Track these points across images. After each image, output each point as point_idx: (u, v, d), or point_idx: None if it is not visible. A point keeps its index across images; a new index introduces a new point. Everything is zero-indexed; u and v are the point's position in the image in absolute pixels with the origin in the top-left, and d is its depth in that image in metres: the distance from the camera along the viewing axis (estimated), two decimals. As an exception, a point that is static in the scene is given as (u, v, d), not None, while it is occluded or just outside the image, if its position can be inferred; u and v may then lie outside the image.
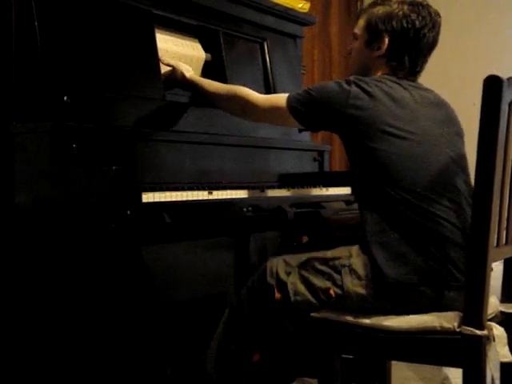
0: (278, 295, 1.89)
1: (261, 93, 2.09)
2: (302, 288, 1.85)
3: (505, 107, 1.60)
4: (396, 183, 1.78)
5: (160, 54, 2.15)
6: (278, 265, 1.92)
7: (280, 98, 1.96)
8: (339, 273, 1.80)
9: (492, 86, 1.57)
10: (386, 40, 1.91)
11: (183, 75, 2.16)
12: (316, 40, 4.10)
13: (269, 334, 2.00)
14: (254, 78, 2.54)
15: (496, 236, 1.66)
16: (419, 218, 1.75)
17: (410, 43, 1.90)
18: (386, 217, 1.78)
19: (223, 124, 2.26)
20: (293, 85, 2.69)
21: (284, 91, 2.43)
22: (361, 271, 1.78)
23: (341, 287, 1.79)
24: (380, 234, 1.78)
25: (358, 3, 4.59)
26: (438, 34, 1.94)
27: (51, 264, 1.69)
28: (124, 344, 1.85)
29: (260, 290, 1.94)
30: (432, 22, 1.91)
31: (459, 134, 1.93)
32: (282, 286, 1.89)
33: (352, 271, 1.79)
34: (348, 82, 1.85)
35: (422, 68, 1.96)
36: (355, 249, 1.83)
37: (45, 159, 1.68)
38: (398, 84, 1.87)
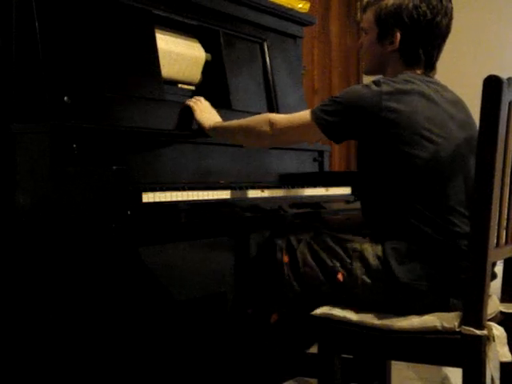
0: (286, 259, 1.87)
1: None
2: (311, 261, 1.83)
3: (505, 107, 1.60)
4: (421, 191, 1.74)
5: (160, 54, 2.15)
6: (289, 231, 1.90)
7: (304, 115, 1.86)
8: (350, 256, 1.78)
9: (492, 86, 1.57)
10: (398, 34, 1.85)
11: (208, 124, 2.10)
12: (316, 40, 4.10)
13: (281, 295, 1.96)
14: (253, 78, 2.54)
15: (496, 236, 1.66)
16: (436, 231, 1.72)
17: (422, 35, 1.84)
18: (400, 225, 1.76)
19: (223, 124, 2.25)
20: (293, 85, 2.69)
21: (284, 91, 2.43)
22: (371, 260, 1.75)
23: (349, 271, 1.77)
24: (393, 240, 1.76)
25: (358, 3, 4.59)
26: (450, 20, 1.86)
27: (51, 264, 1.69)
28: (124, 344, 1.85)
29: (268, 252, 1.92)
30: (444, 9, 1.84)
31: (477, 133, 1.90)
32: (291, 251, 1.86)
33: (362, 258, 1.76)
34: (377, 83, 1.77)
35: (437, 58, 1.89)
36: (368, 239, 1.81)
37: (45, 159, 1.68)
38: (423, 82, 1.81)
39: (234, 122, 2.05)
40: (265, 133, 1.94)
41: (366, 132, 1.79)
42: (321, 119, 1.81)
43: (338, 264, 1.80)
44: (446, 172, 1.76)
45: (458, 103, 1.88)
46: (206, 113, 2.13)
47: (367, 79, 1.88)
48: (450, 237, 1.73)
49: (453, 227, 1.74)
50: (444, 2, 1.85)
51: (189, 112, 2.16)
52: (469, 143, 1.80)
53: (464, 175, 1.77)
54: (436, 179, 1.75)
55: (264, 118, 1.96)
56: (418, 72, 1.87)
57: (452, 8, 1.88)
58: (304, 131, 1.88)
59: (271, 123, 1.92)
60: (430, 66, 1.88)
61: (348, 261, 1.78)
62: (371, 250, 1.77)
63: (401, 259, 1.73)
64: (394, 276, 1.72)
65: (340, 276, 1.79)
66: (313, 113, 1.83)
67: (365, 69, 2.00)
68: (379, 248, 1.76)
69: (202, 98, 2.19)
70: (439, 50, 1.89)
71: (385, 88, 1.75)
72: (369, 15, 1.92)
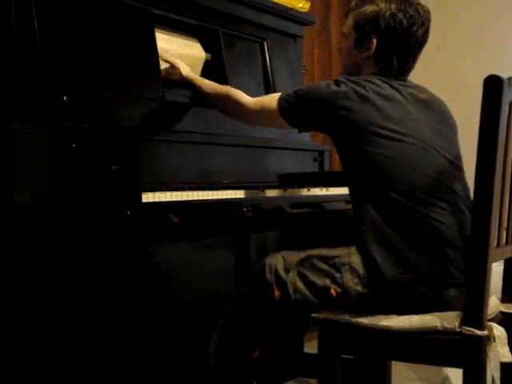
0: (277, 293, 1.87)
1: (261, 93, 2.09)
2: (301, 286, 1.84)
3: (505, 107, 1.59)
4: (389, 185, 1.77)
5: (160, 53, 2.15)
6: (277, 262, 1.90)
7: (271, 100, 1.96)
8: (339, 271, 1.79)
9: (492, 86, 1.57)
10: (374, 40, 1.90)
11: (180, 73, 2.18)
12: (316, 40, 4.09)
13: (268, 332, 1.98)
14: (253, 77, 2.53)
15: (496, 236, 1.66)
16: (414, 220, 1.74)
17: (398, 43, 1.89)
18: (381, 218, 1.77)
19: (223, 124, 2.25)
20: (293, 85, 2.68)
21: (284, 91, 2.42)
22: (360, 270, 1.76)
23: (341, 285, 1.78)
24: (377, 233, 1.77)
25: (358, 3, 4.57)
26: (427, 30, 1.91)
27: (50, 264, 1.69)
28: (122, 343, 1.85)
29: (259, 286, 1.92)
30: (421, 20, 1.88)
31: (453, 130, 1.92)
32: (281, 283, 1.87)
33: (352, 269, 1.77)
34: (337, 83, 1.84)
35: (412, 66, 1.94)
36: (354, 248, 1.82)
37: (45, 159, 1.67)
38: (387, 83, 1.86)
39: (207, 85, 2.15)
40: (231, 110, 2.09)
41: (325, 127, 1.89)
42: (282, 108, 1.91)
43: (328, 281, 1.80)
44: (412, 167, 1.77)
45: (429, 101, 1.91)
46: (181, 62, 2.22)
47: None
48: (428, 225, 1.74)
49: (428, 218, 1.74)
50: (421, 12, 1.89)
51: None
52: (440, 138, 1.84)
53: (432, 169, 1.79)
54: (402, 176, 1.76)
55: (233, 97, 2.06)
56: (388, 75, 1.90)
57: (429, 18, 1.92)
58: (270, 117, 1.98)
59: (238, 102, 2.04)
60: (401, 73, 1.93)
61: (338, 275, 1.79)
62: (358, 260, 1.78)
63: (386, 255, 1.73)
64: (382, 275, 1.73)
65: (332, 291, 1.79)
66: (278, 102, 1.93)
67: (341, 72, 2.04)
68: (365, 253, 1.77)
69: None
70: (414, 59, 1.94)
71: (342, 88, 1.82)
72: (349, 21, 1.97)
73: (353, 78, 1.85)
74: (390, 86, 1.86)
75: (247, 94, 2.07)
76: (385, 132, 1.78)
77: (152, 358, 2.02)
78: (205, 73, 2.38)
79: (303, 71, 2.87)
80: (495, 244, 1.65)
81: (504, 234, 1.74)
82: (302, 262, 1.87)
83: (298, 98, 1.89)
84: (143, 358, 1.98)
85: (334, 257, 1.82)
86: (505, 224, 1.74)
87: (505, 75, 1.60)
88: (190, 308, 2.14)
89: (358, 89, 1.81)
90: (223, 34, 2.42)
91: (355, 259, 1.78)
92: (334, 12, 4.32)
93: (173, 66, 2.19)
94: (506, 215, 1.74)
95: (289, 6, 2.75)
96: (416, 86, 1.93)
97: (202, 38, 2.40)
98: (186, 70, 2.19)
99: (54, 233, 1.65)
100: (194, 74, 2.20)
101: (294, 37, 2.77)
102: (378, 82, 1.85)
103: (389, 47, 1.89)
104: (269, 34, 2.62)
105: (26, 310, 1.74)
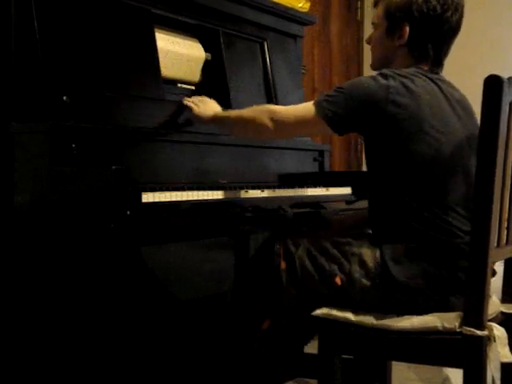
0: (283, 264, 1.86)
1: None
2: (309, 266, 1.82)
3: (505, 107, 1.59)
4: (422, 190, 1.73)
5: (160, 54, 2.14)
6: (286, 236, 1.88)
7: (305, 107, 1.84)
8: (348, 260, 1.77)
9: (492, 86, 1.57)
10: (407, 28, 1.83)
11: (208, 114, 2.08)
12: (316, 40, 4.09)
13: (277, 301, 1.95)
14: (253, 77, 2.53)
15: (497, 236, 1.66)
16: (434, 230, 1.71)
17: (431, 30, 1.82)
18: (400, 224, 1.75)
19: (223, 124, 2.25)
20: (293, 85, 2.69)
21: (284, 91, 2.42)
22: (369, 263, 1.74)
23: (347, 274, 1.76)
24: (391, 237, 1.76)
25: (359, 3, 4.58)
26: (461, 16, 1.85)
27: (49, 264, 1.68)
28: (121, 343, 1.85)
29: (266, 255, 1.91)
30: (454, 5, 1.82)
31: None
32: (288, 256, 1.85)
33: (361, 261, 1.75)
34: (385, 76, 1.75)
35: (446, 55, 1.87)
36: (366, 241, 1.80)
37: (44, 159, 1.67)
38: (429, 78, 1.80)
39: (234, 113, 2.03)
40: (265, 126, 1.90)
41: (372, 125, 1.77)
42: (326, 110, 1.77)
43: (335, 267, 1.78)
44: (446, 170, 1.75)
45: (462, 101, 1.86)
46: (203, 104, 2.11)
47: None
48: (448, 235, 1.73)
49: (450, 226, 1.73)
50: None
51: (189, 111, 2.15)
52: (470, 142, 1.79)
53: (463, 174, 1.76)
54: (435, 177, 1.74)
55: (265, 110, 1.92)
56: (425, 68, 1.84)
57: (463, 4, 1.86)
58: (307, 124, 1.84)
59: (272, 116, 1.89)
60: (437, 63, 1.86)
61: (346, 264, 1.77)
62: (370, 253, 1.76)
63: (398, 259, 1.72)
64: (391, 276, 1.72)
65: (338, 280, 1.78)
66: (317, 105, 1.80)
67: (372, 63, 1.97)
68: (377, 251, 1.76)
69: (199, 97, 2.17)
70: (448, 46, 1.87)
71: (392, 82, 1.73)
72: (379, 10, 1.90)
73: (399, 72, 1.77)
74: (432, 80, 1.79)
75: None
76: (432, 131, 1.72)
77: (151, 358, 2.02)
78: (205, 72, 2.38)
79: (303, 71, 2.87)
80: (495, 244, 1.65)
81: (504, 233, 1.74)
82: (313, 242, 1.84)
83: (341, 96, 1.76)
84: (143, 358, 1.97)
85: (346, 244, 1.80)
86: (505, 224, 1.74)
87: (505, 75, 1.59)
88: (189, 308, 2.14)
89: (408, 83, 1.74)
90: (223, 34, 2.41)
91: (366, 251, 1.76)
92: (334, 12, 4.32)
93: (202, 104, 2.11)
94: (506, 215, 1.74)
95: (289, 5, 2.75)
96: (449, 83, 1.87)
97: (202, 38, 2.39)
98: (217, 108, 2.11)
99: (54, 233, 1.65)
100: (216, 112, 2.08)
101: (294, 37, 2.77)
102: (422, 76, 1.78)
103: (422, 34, 1.82)
104: (269, 33, 2.62)
105: (25, 310, 1.74)
